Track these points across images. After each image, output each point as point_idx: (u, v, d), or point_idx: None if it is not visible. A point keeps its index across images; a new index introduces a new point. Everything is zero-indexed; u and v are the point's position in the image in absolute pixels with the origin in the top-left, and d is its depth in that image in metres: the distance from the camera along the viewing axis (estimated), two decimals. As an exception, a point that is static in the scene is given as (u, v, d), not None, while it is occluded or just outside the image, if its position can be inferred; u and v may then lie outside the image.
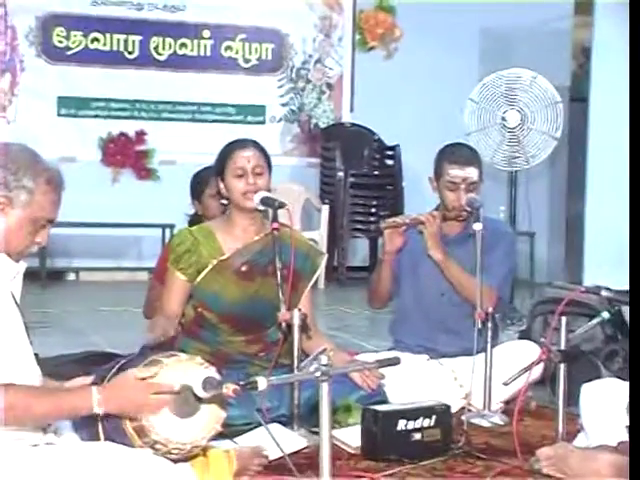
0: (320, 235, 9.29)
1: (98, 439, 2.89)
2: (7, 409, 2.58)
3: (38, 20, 9.74)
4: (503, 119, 7.28)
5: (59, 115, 9.88)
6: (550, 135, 7.33)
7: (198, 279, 4.00)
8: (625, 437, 3.50)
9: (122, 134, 10.06)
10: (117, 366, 2.95)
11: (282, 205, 3.90)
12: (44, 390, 2.82)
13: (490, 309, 4.21)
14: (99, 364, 3.19)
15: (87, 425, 2.95)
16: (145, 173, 10.03)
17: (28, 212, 2.79)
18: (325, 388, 2.76)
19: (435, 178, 4.53)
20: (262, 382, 2.67)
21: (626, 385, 3.74)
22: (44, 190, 2.81)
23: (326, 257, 4.51)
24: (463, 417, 4.06)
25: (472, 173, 4.46)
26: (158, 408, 2.81)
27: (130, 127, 10.09)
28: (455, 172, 4.45)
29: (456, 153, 4.57)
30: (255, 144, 4.11)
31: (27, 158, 2.83)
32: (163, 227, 8.81)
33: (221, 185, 4.07)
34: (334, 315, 7.24)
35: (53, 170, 2.87)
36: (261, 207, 3.94)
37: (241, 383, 2.72)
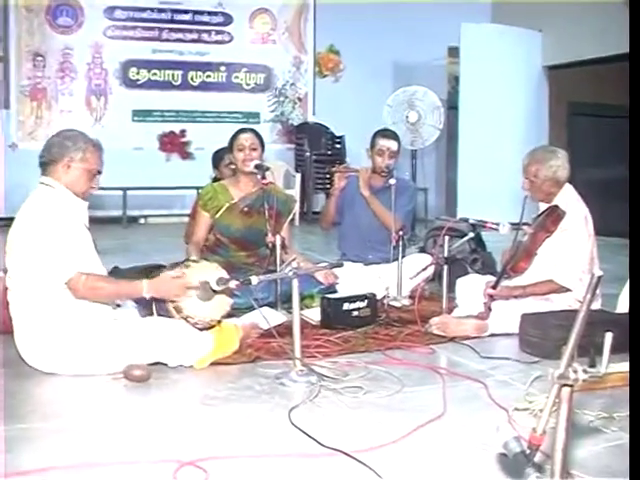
0: (295, 192, 9.15)
1: (151, 314, 2.92)
2: (92, 287, 2.66)
3: (120, 64, 9.50)
4: (407, 117, 7.18)
5: (133, 121, 9.59)
6: (436, 127, 7.23)
7: (217, 216, 3.89)
8: (481, 309, 3.45)
9: (171, 132, 9.79)
10: (165, 269, 2.95)
11: (268, 168, 3.83)
12: (115, 280, 2.89)
13: (400, 233, 4.13)
14: (155, 270, 3.10)
15: (145, 306, 2.96)
16: (186, 155, 9.78)
17: (84, 166, 2.78)
18: (295, 283, 2.69)
19: (370, 148, 4.42)
20: (254, 279, 2.60)
21: (483, 278, 3.68)
22: (91, 150, 2.81)
23: (298, 203, 4.38)
24: (384, 301, 3.97)
25: (393, 145, 4.38)
26: (182, 295, 2.80)
27: (176, 127, 9.81)
28: (383, 142, 4.36)
29: (385, 132, 4.51)
30: (252, 130, 3.99)
31: (79, 134, 2.85)
32: (197, 188, 8.56)
33: (231, 157, 3.96)
34: (304, 240, 7.15)
35: (95, 139, 2.88)
36: (255, 170, 3.81)
37: (241, 280, 2.63)
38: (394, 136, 4.48)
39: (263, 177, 3.75)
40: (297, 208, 8.83)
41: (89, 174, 2.80)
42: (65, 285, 2.64)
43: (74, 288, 2.64)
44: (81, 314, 2.70)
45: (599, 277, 1.45)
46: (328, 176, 9.79)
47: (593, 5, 8.76)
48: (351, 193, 4.38)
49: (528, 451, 1.54)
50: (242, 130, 3.98)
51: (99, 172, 2.84)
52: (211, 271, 2.76)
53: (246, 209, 3.90)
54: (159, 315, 2.85)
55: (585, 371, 1.49)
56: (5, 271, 3.32)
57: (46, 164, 2.78)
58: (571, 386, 1.49)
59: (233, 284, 2.64)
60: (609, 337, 1.51)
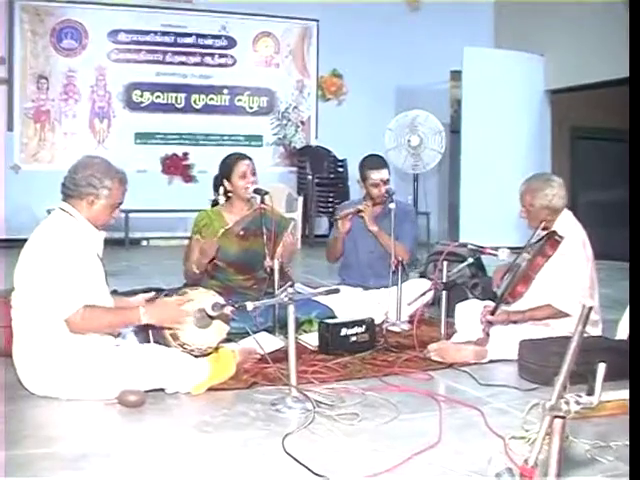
0: (297, 215, 9.18)
1: (149, 342, 2.91)
2: (89, 319, 2.66)
3: (124, 87, 9.59)
4: (409, 141, 7.20)
5: (136, 144, 9.65)
6: (437, 151, 7.24)
7: None
8: (480, 334, 3.43)
9: (174, 154, 9.84)
10: (163, 294, 3.02)
11: (266, 193, 3.82)
12: (111, 309, 2.84)
13: (400, 258, 4.12)
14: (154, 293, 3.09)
15: (142, 333, 2.95)
16: (189, 178, 9.82)
17: (108, 201, 2.81)
18: (291, 308, 2.67)
19: (362, 180, 4.41)
20: (249, 305, 2.59)
21: (483, 303, 3.66)
22: (117, 186, 2.83)
23: (293, 223, 4.33)
24: (383, 326, 3.97)
25: (385, 174, 4.37)
26: (180, 321, 2.79)
27: (179, 150, 9.86)
28: (375, 175, 4.34)
29: (373, 162, 4.44)
30: (248, 157, 3.97)
31: (106, 167, 2.85)
32: (200, 211, 8.61)
33: (227, 183, 3.93)
34: (306, 263, 7.14)
35: (121, 172, 2.89)
36: (254, 194, 3.82)
37: (236, 305, 2.63)
38: (382, 163, 4.45)
39: (262, 201, 3.77)
40: (300, 229, 8.98)
41: (111, 208, 2.84)
42: (64, 321, 2.65)
43: (72, 325, 2.65)
44: (81, 340, 2.70)
45: (590, 308, 1.45)
46: (330, 200, 9.92)
47: (595, 29, 8.83)
48: (354, 229, 4.37)
49: (520, 482, 1.54)
50: (240, 155, 3.95)
51: (120, 204, 2.88)
52: (208, 298, 2.76)
53: (242, 232, 3.90)
54: (155, 342, 2.85)
55: (577, 402, 1.48)
56: (4, 295, 3.34)
57: (69, 195, 2.79)
58: (563, 417, 1.48)
59: (228, 310, 2.64)
60: (602, 367, 1.50)
